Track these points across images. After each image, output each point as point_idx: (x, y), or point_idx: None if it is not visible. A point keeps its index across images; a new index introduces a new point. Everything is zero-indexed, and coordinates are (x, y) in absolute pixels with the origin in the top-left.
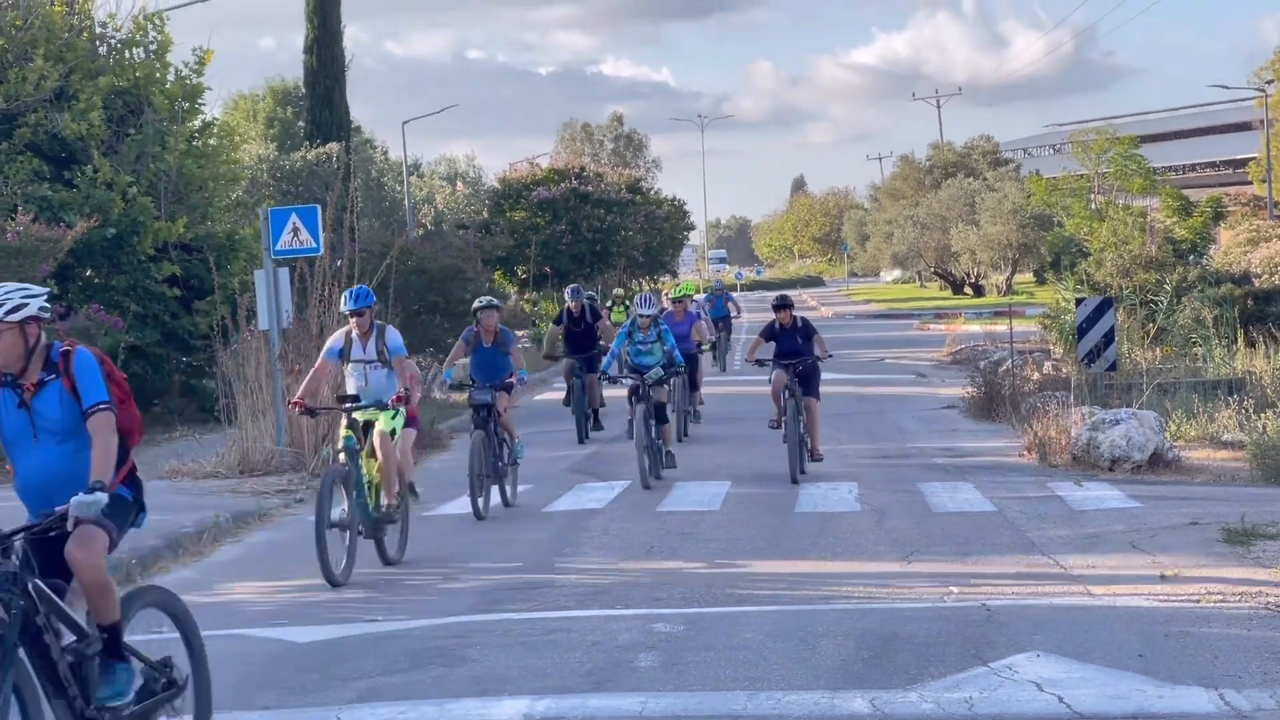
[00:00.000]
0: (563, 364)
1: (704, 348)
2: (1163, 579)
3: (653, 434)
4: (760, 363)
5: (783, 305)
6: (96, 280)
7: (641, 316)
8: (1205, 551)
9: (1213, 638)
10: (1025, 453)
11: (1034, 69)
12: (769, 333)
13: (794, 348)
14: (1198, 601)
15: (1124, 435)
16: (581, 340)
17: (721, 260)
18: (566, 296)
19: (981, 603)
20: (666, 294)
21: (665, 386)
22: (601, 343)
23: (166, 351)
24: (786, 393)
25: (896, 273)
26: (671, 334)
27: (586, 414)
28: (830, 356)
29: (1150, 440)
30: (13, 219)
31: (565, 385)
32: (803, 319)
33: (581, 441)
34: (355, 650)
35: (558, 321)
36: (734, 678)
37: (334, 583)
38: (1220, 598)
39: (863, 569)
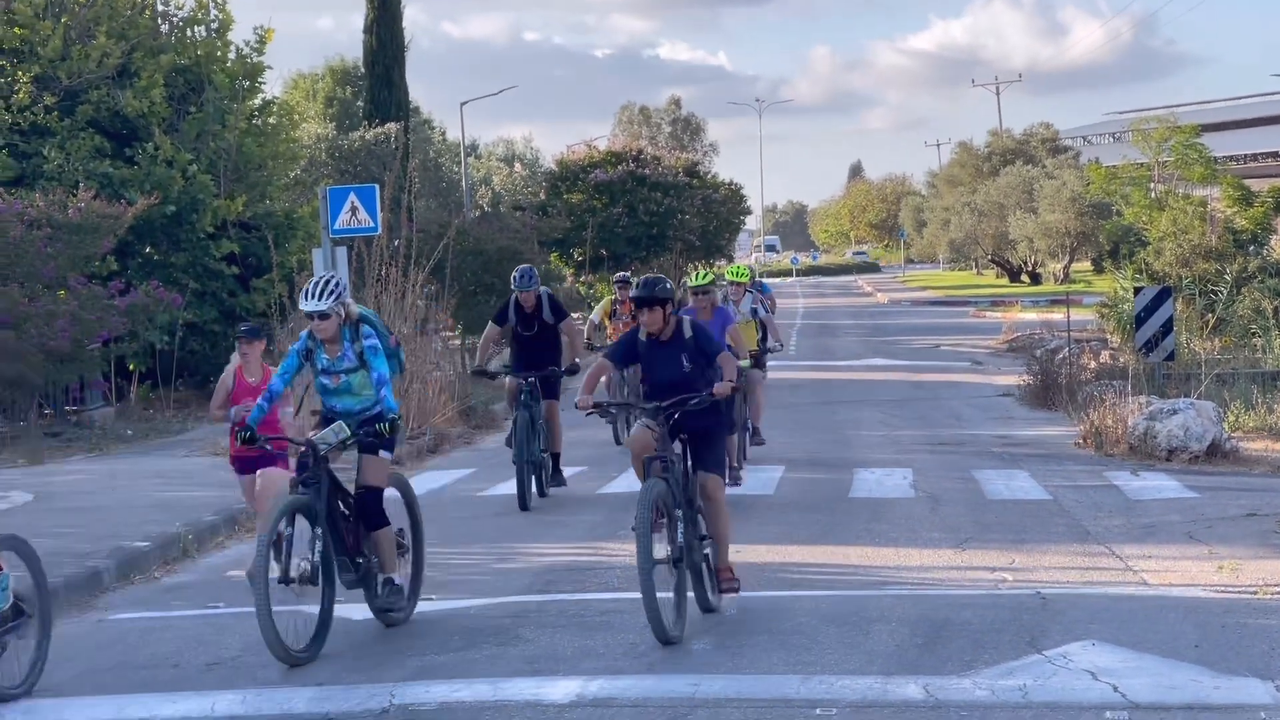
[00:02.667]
0: (504, 384)
1: (743, 362)
2: (1220, 570)
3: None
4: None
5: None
6: (156, 257)
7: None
8: (1263, 543)
9: (1270, 629)
10: (1081, 441)
11: (1093, 56)
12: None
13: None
14: (1255, 593)
15: (1182, 425)
16: (533, 350)
17: (771, 248)
18: (513, 283)
19: (1036, 590)
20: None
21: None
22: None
23: (224, 329)
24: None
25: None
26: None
27: (538, 461)
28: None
29: (1208, 430)
30: (74, 195)
31: (511, 415)
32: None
33: (525, 508)
34: (410, 628)
35: (499, 319)
36: (786, 661)
37: None
38: (1278, 590)
39: (917, 555)
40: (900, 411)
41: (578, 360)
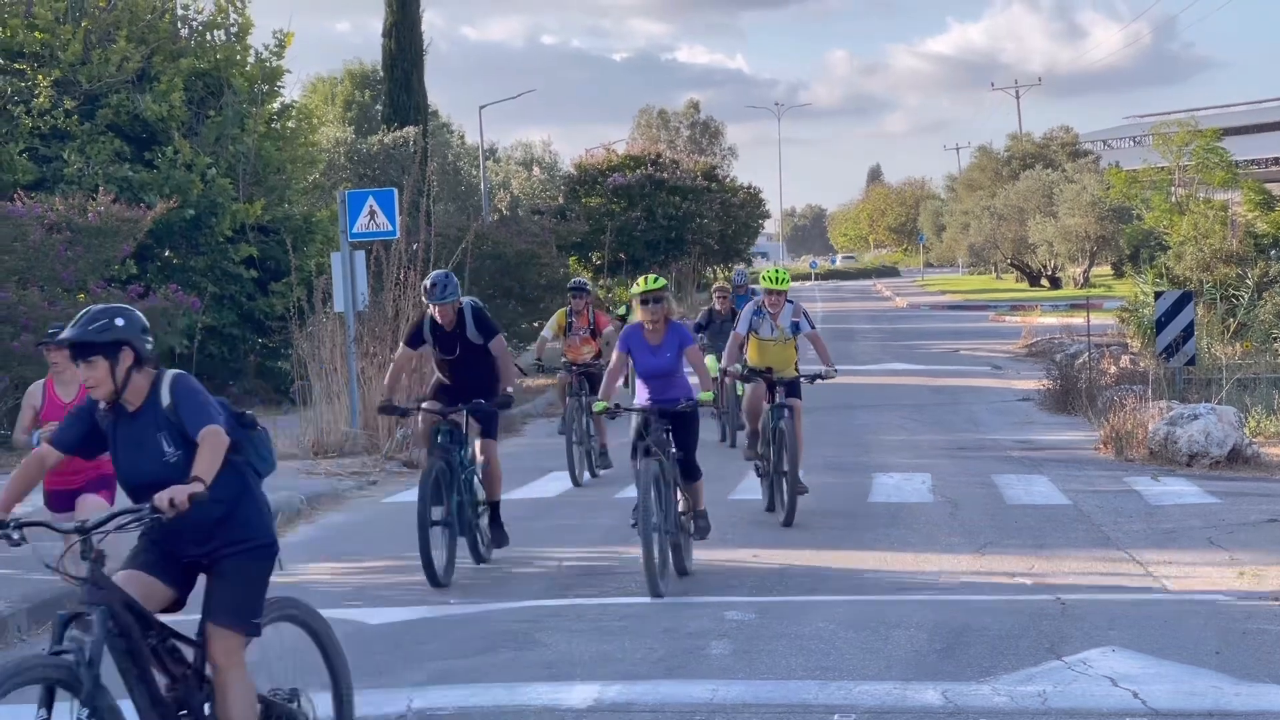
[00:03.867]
0: (415, 425)
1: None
2: (1241, 576)
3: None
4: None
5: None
6: (175, 261)
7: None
8: None
9: None
10: (1101, 446)
11: (1113, 60)
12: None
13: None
14: (1277, 599)
15: (1202, 430)
16: (457, 376)
17: (763, 255)
18: (424, 293)
19: (1056, 596)
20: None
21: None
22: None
23: (243, 332)
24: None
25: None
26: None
27: (466, 522)
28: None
29: (1229, 436)
30: (94, 199)
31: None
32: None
33: (436, 584)
34: (427, 633)
35: (411, 341)
36: (805, 667)
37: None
38: None
39: (936, 560)
40: (919, 416)
41: (509, 390)
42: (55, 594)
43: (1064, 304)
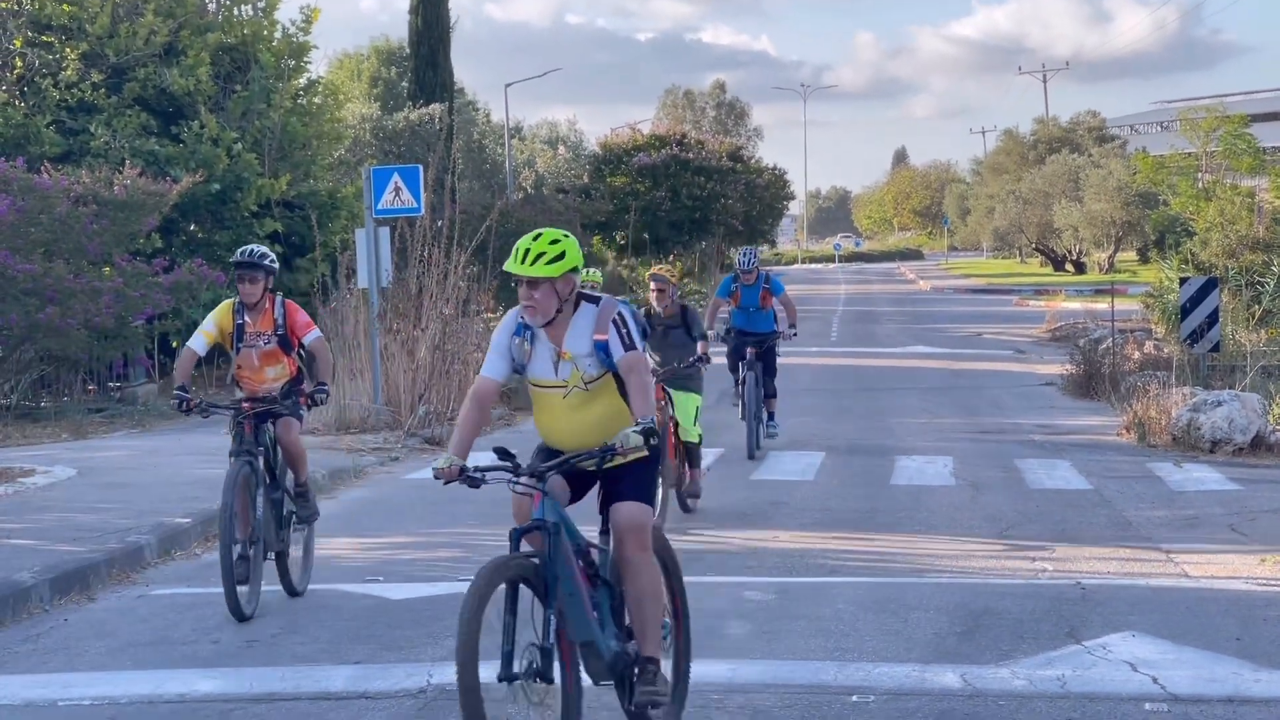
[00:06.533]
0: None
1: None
2: (1262, 563)
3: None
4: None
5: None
6: (200, 235)
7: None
8: None
9: None
10: (1124, 432)
11: (1140, 45)
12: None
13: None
14: None
15: (1226, 417)
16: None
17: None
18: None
19: (1076, 581)
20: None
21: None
22: None
23: None
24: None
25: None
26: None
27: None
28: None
29: (1253, 423)
30: (120, 172)
31: None
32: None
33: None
34: (448, 608)
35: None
36: (824, 648)
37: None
38: None
39: (956, 543)
40: (942, 399)
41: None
42: (78, 565)
43: (1088, 289)
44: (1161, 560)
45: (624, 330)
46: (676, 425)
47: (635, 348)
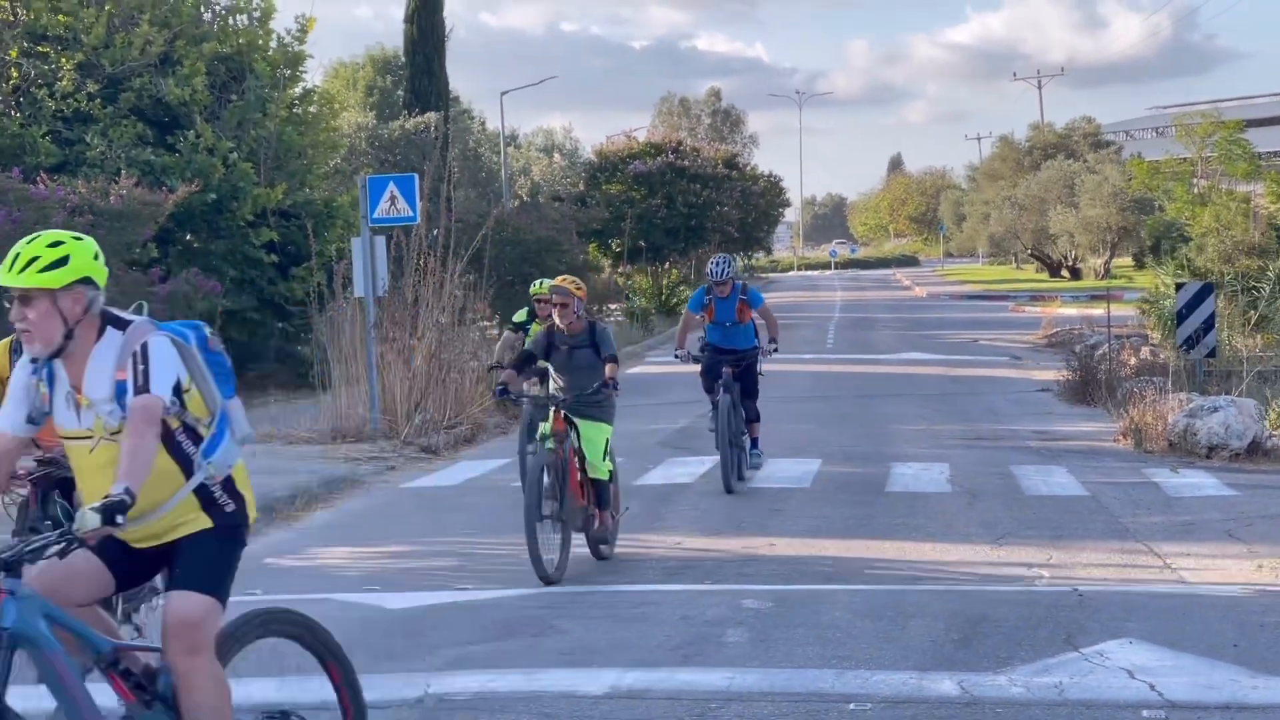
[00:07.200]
0: None
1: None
2: (1260, 569)
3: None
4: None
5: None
6: (196, 245)
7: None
8: None
9: None
10: (1120, 438)
11: (1134, 51)
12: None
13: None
14: None
15: (1222, 423)
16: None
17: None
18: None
19: (1073, 587)
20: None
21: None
22: None
23: (263, 317)
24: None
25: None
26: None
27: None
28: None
29: (1249, 428)
30: (116, 182)
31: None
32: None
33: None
34: (445, 618)
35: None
36: (821, 655)
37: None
38: None
39: (953, 550)
40: (938, 406)
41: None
42: None
43: (1084, 295)
44: (1159, 566)
45: (141, 368)
46: (583, 460)
47: (148, 391)
